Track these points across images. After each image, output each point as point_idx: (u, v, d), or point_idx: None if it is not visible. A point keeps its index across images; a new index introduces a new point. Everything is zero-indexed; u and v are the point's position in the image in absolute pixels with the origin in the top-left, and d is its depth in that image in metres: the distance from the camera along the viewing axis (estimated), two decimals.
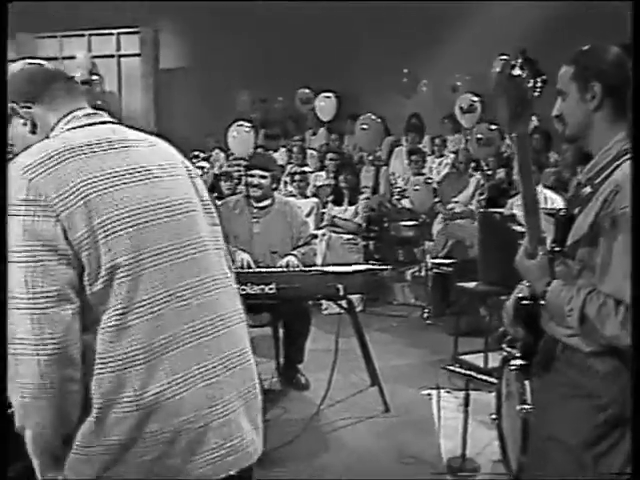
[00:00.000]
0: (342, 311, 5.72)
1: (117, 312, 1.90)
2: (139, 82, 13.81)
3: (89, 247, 1.88)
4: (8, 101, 2.11)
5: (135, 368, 1.91)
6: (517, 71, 2.41)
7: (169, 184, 2.11)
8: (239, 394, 2.12)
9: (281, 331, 6.15)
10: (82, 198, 1.89)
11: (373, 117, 10.65)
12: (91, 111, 2.14)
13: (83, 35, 13.92)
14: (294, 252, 5.79)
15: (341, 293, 5.31)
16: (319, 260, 7.58)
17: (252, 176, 5.92)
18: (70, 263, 1.86)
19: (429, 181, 9.59)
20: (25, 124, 2.11)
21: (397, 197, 10.11)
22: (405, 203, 9.85)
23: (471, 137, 10.09)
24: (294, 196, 8.92)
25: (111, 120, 2.16)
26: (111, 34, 13.90)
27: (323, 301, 7.92)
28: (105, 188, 1.94)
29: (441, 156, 10.55)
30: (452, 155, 10.32)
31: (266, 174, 5.91)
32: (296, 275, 5.43)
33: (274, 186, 6.18)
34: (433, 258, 8.46)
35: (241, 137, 10.68)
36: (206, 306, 2.09)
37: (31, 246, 1.83)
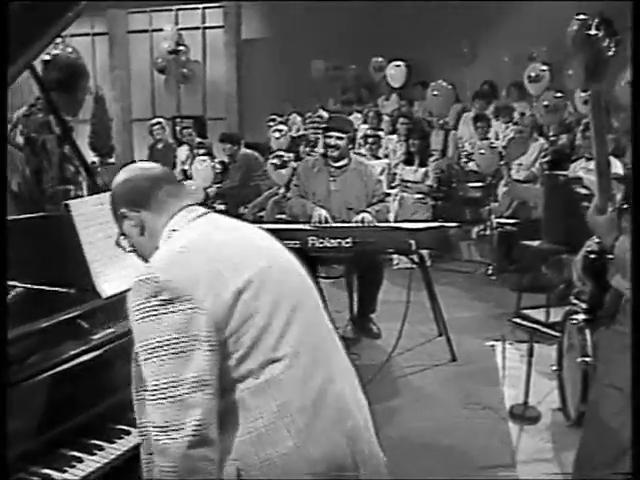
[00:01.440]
0: (413, 265, 5.71)
1: (265, 368, 1.92)
2: (222, 52, 13.91)
3: (235, 320, 1.90)
4: (119, 209, 2.17)
5: (290, 415, 1.92)
6: (593, 30, 2.34)
7: (280, 254, 2.17)
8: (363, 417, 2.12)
9: (355, 283, 6.16)
10: (221, 279, 1.91)
11: (444, 84, 10.54)
12: (191, 207, 2.16)
13: (171, 10, 14.06)
14: (368, 209, 5.77)
15: (413, 248, 5.32)
16: (391, 217, 7.56)
17: (330, 137, 5.90)
18: (214, 348, 1.86)
19: (494, 145, 9.48)
20: (135, 226, 2.16)
21: (464, 160, 10.01)
22: (472, 166, 9.74)
23: (538, 104, 9.92)
24: (364, 156, 8.85)
25: (207, 211, 2.18)
26: (197, 8, 14.02)
27: (394, 256, 7.93)
28: (235, 263, 1.97)
29: (508, 122, 10.36)
30: (519, 121, 10.15)
31: (343, 135, 5.88)
32: (371, 230, 5.45)
33: (350, 147, 6.14)
34: (498, 218, 8.37)
35: None
36: (331, 347, 2.14)
37: (176, 339, 1.84)
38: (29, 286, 2.50)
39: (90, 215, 2.76)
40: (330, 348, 2.11)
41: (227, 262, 1.96)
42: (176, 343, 1.83)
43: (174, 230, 2.09)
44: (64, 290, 2.55)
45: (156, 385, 1.83)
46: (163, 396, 1.81)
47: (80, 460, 2.15)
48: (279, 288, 2.01)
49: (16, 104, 4.29)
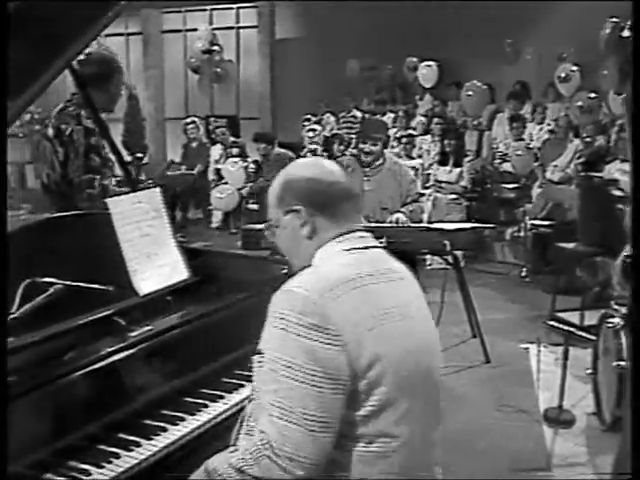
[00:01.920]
0: (448, 266, 5.69)
1: (381, 439, 1.86)
2: (256, 51, 13.96)
3: (370, 377, 1.82)
4: (291, 202, 2.04)
5: None
6: (627, 32, 2.32)
7: (426, 320, 2.10)
8: None
9: None
10: (369, 330, 1.84)
11: (478, 84, 10.47)
12: (364, 234, 2.07)
13: (205, 10, 14.13)
14: (402, 209, 5.75)
15: (447, 249, 5.31)
16: (425, 218, 7.54)
17: (364, 143, 5.86)
18: (344, 393, 1.80)
19: (529, 146, 9.43)
20: (303, 225, 2.03)
21: (499, 161, 9.94)
22: (506, 167, 9.68)
23: (571, 105, 9.85)
24: (400, 157, 8.85)
25: (375, 245, 2.08)
26: (231, 8, 14.09)
27: (427, 257, 7.91)
28: (387, 321, 1.89)
29: (541, 123, 10.30)
30: (553, 122, 10.06)
31: (377, 142, 5.83)
32: (406, 230, 5.44)
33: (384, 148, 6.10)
34: (532, 219, 8.33)
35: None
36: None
37: (313, 370, 1.77)
38: (68, 283, 2.51)
39: (127, 213, 2.78)
40: (437, 429, 2.06)
41: (383, 319, 1.89)
42: (313, 375, 1.77)
43: (337, 250, 2.00)
44: (103, 288, 2.56)
45: (282, 404, 1.77)
46: (289, 420, 1.76)
47: (117, 456, 2.16)
48: (418, 359, 1.96)
49: (52, 104, 4.36)
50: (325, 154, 9.93)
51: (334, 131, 11.11)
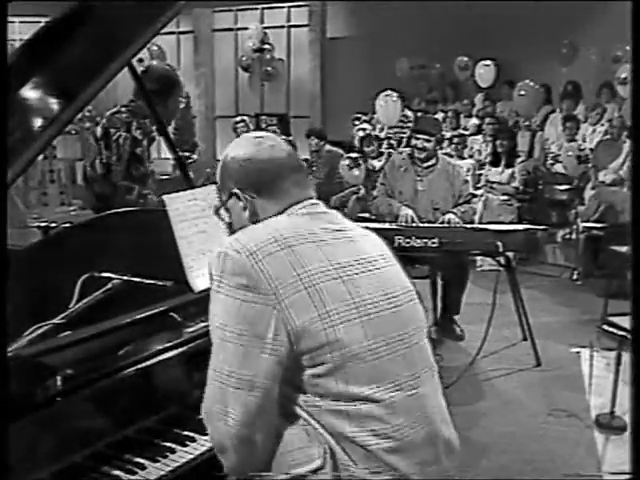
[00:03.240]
0: (500, 268, 5.65)
1: (342, 400, 1.79)
2: (307, 50, 14.00)
3: (311, 335, 1.75)
4: (230, 185, 1.99)
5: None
6: None
7: (390, 275, 1.97)
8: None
9: (440, 283, 6.12)
10: (307, 287, 1.77)
11: (531, 84, 10.34)
12: (314, 201, 1.99)
13: (256, 8, 14.20)
14: (454, 210, 5.74)
15: (500, 250, 5.28)
16: (476, 219, 7.51)
17: (418, 139, 5.86)
18: (273, 354, 1.74)
19: (582, 148, 9.31)
20: (245, 209, 1.98)
21: (551, 162, 9.84)
22: (558, 168, 9.57)
23: (625, 105, 9.68)
24: (451, 157, 8.80)
25: (327, 211, 2.01)
26: (282, 7, 14.14)
27: (477, 258, 7.86)
28: (334, 278, 1.81)
29: (596, 124, 10.14)
30: (607, 123, 9.91)
31: (431, 138, 5.84)
32: (458, 231, 5.43)
33: (437, 147, 6.10)
34: (585, 221, 8.22)
35: (387, 106, 10.58)
36: (426, 396, 1.94)
37: (240, 330, 1.74)
38: (126, 278, 2.55)
39: (184, 210, 2.80)
40: (426, 383, 1.95)
41: (329, 273, 1.82)
42: (239, 334, 1.75)
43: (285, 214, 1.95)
44: (162, 283, 2.59)
45: (215, 366, 1.80)
46: (217, 378, 1.78)
47: (173, 451, 2.18)
48: (381, 317, 1.87)
49: (104, 103, 4.46)
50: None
51: (385, 130, 11.08)
